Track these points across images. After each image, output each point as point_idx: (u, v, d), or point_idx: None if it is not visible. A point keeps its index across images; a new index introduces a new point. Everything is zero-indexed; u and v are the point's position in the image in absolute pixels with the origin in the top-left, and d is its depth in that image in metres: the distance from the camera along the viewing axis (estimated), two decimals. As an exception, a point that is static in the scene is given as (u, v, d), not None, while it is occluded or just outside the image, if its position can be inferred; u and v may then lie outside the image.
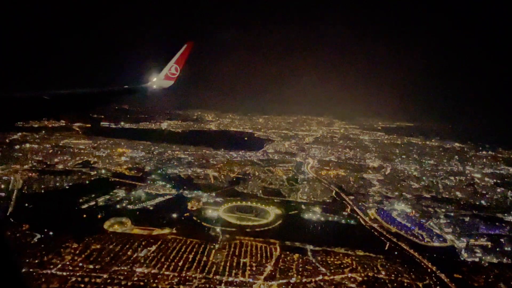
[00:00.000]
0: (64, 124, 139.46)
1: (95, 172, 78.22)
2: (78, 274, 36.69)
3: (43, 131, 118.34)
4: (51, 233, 46.74)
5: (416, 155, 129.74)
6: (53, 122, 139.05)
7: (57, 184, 66.22)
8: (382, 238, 53.18)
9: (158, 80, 16.20)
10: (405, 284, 39.46)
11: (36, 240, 44.40)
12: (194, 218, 56.61)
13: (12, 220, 49.49)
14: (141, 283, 36.07)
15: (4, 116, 6.84)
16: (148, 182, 73.18)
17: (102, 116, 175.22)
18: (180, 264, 40.72)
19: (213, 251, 44.98)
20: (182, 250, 44.28)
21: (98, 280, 35.96)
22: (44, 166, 79.47)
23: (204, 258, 42.62)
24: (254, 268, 40.81)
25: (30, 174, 71.27)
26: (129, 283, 35.84)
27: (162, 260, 41.31)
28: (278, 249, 46.85)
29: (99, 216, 54.15)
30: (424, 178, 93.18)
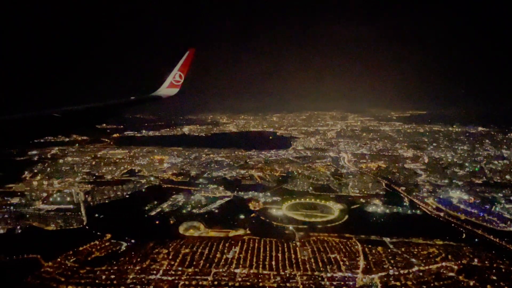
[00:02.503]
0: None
1: (145, 180, 79.36)
2: (183, 277, 37.48)
3: (77, 144, 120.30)
4: (133, 240, 47.84)
5: (446, 142, 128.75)
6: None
7: (118, 193, 67.43)
8: (459, 228, 52.93)
9: (164, 88, 16.41)
10: (503, 270, 39.36)
11: (124, 248, 45.40)
12: (262, 217, 57.15)
13: (94, 232, 50.61)
14: (248, 283, 36.66)
15: (18, 136, 7.19)
16: (201, 186, 73.97)
17: (119, 127, 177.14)
18: (273, 263, 41.26)
19: (297, 248, 45.46)
20: (267, 249, 44.82)
21: (205, 283, 36.68)
22: (94, 177, 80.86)
23: (293, 256, 43.14)
24: (347, 263, 41.14)
25: (86, 186, 72.62)
26: (236, 284, 36.46)
27: (254, 260, 41.89)
28: (358, 243, 47.09)
29: (171, 221, 55.07)
30: (466, 164, 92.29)
